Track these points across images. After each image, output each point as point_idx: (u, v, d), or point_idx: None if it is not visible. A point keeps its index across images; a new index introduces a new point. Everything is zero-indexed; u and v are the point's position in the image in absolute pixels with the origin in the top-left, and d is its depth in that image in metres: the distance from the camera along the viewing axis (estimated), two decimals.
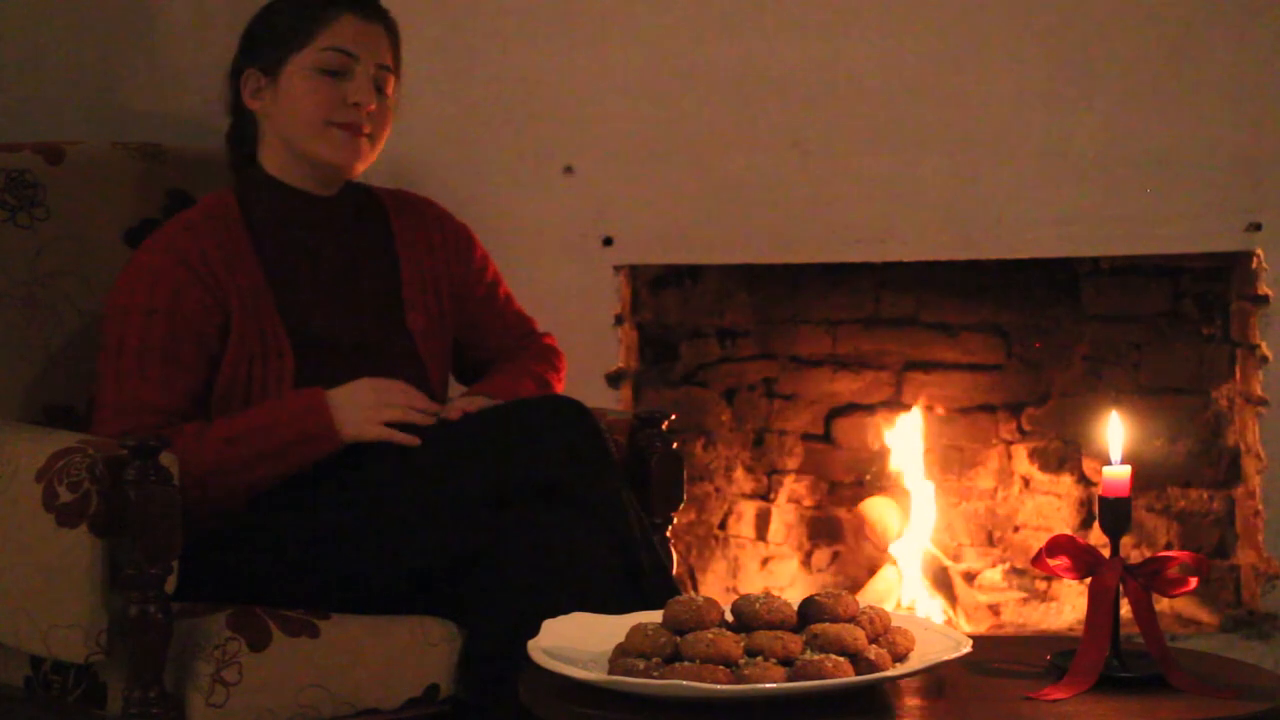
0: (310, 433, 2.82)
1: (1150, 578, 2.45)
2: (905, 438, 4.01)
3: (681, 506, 3.14)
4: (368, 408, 2.84)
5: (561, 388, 3.14)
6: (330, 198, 3.02)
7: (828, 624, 2.35)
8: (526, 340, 3.19)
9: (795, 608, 2.40)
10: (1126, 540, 2.52)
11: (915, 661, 2.36)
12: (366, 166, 3.00)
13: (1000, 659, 2.50)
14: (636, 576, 2.76)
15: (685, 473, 3.14)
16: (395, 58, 3.02)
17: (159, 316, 2.85)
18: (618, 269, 3.68)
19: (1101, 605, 2.41)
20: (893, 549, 3.97)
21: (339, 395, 2.84)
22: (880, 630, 2.38)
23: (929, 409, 4.05)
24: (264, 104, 2.97)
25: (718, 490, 4.04)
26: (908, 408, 4.05)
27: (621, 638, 2.35)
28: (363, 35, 2.96)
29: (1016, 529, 4.08)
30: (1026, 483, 4.07)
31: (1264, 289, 3.72)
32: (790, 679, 2.27)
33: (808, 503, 4.11)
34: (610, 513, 2.79)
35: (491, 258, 3.19)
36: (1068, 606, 3.97)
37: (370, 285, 3.03)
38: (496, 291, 3.17)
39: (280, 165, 2.99)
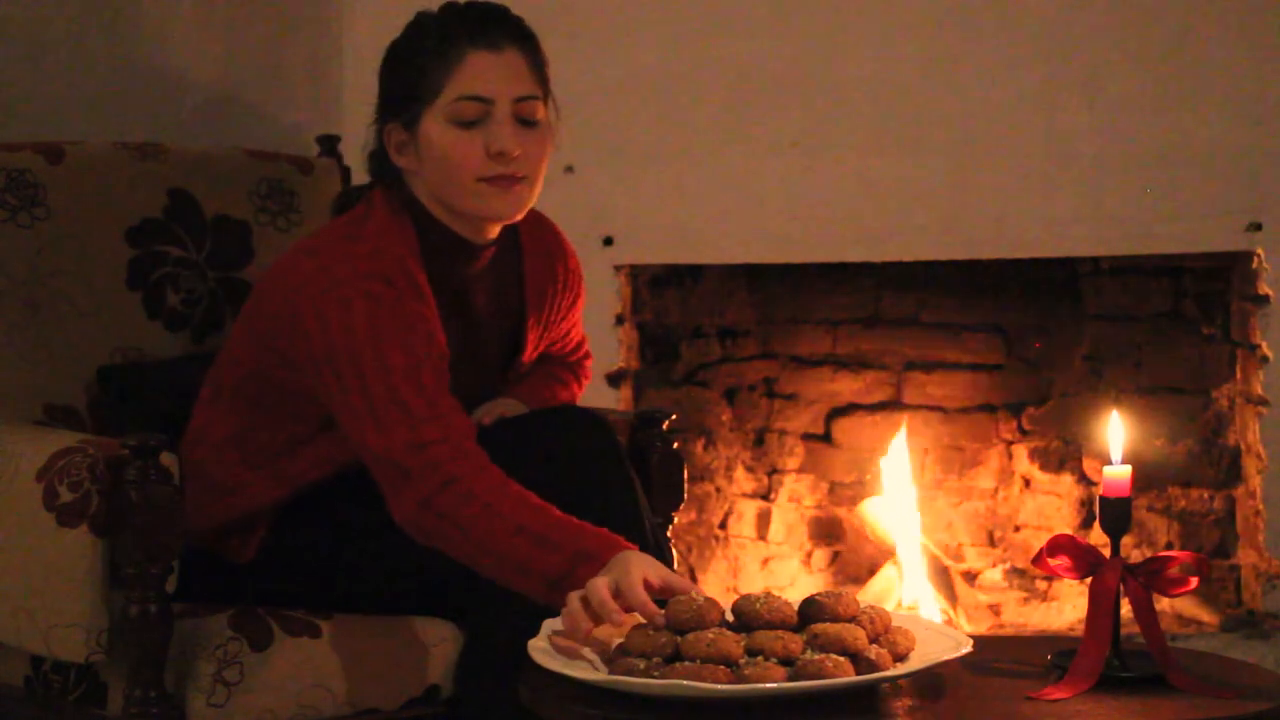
0: (571, 576, 2.45)
1: (1151, 578, 2.45)
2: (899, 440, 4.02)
3: (682, 506, 3.14)
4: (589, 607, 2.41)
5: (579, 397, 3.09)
6: (484, 244, 2.80)
7: (828, 624, 2.34)
8: (575, 355, 3.08)
9: (795, 607, 2.39)
10: (1127, 540, 2.52)
11: (915, 661, 2.36)
12: (530, 207, 2.77)
13: (1000, 659, 2.50)
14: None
15: (685, 473, 3.14)
16: (539, 77, 2.74)
17: (389, 348, 2.60)
18: (618, 269, 3.69)
19: (1102, 605, 2.41)
20: (893, 548, 3.97)
21: (626, 562, 2.43)
22: (880, 630, 2.38)
23: (928, 409, 4.06)
24: (408, 160, 2.74)
25: (718, 490, 4.05)
26: (908, 408, 4.06)
27: (621, 638, 2.35)
28: (494, 71, 2.70)
29: (1017, 529, 4.08)
30: (1027, 483, 4.07)
31: (1264, 289, 3.72)
32: (791, 679, 2.27)
33: (808, 503, 4.11)
34: (630, 523, 2.79)
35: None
36: (1068, 606, 3.97)
37: (498, 342, 2.89)
38: (577, 320, 3.01)
39: (437, 209, 2.76)
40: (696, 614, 2.34)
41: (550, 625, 2.43)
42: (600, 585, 2.36)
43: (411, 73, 2.71)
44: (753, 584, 4.02)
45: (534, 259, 2.89)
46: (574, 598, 2.38)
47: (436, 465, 2.55)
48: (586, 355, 3.09)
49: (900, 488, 3.97)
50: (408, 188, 2.75)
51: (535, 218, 2.88)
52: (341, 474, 2.76)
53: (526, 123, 2.71)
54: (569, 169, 3.63)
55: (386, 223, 2.73)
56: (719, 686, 2.23)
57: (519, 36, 2.74)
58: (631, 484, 2.84)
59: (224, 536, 2.78)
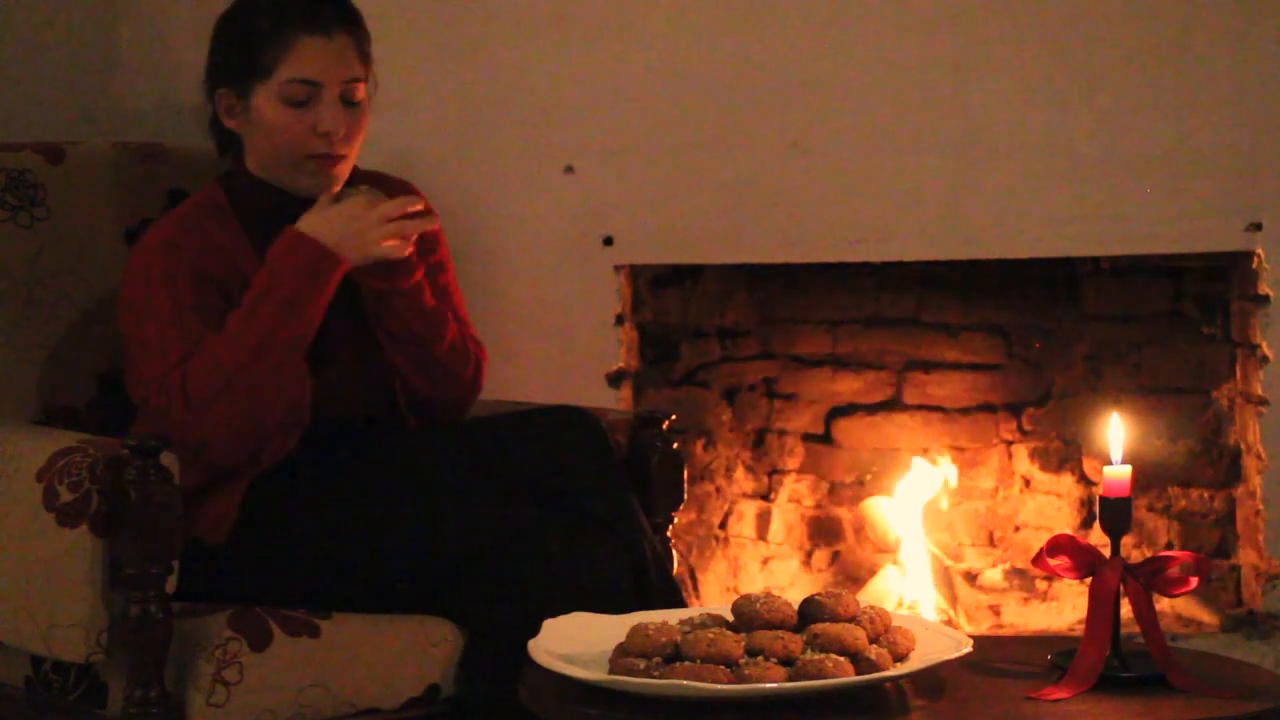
0: (311, 265, 2.81)
1: (1151, 578, 2.45)
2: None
3: (682, 506, 3.14)
4: (366, 229, 2.84)
5: (475, 394, 3.09)
6: (310, 197, 2.98)
7: (828, 624, 2.35)
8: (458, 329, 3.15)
9: (795, 607, 2.40)
10: (1127, 540, 2.51)
11: (915, 661, 2.36)
12: (345, 177, 2.97)
13: (1000, 659, 2.50)
14: (646, 585, 2.77)
15: (685, 473, 3.14)
16: (364, 60, 2.96)
17: (181, 279, 2.84)
18: (618, 269, 3.68)
19: (1102, 605, 2.41)
20: (894, 548, 3.97)
21: (319, 221, 2.84)
22: (880, 630, 2.38)
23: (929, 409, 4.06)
24: (239, 124, 2.95)
25: (718, 490, 4.04)
26: (908, 408, 4.06)
27: (621, 638, 2.35)
28: (324, 56, 2.90)
29: (1017, 529, 4.08)
30: (1027, 483, 4.07)
31: (1264, 289, 3.72)
32: (791, 679, 2.27)
33: (808, 503, 4.10)
34: (625, 522, 2.81)
35: (455, 244, 3.14)
36: (1068, 606, 3.97)
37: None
38: (439, 274, 3.09)
39: (265, 169, 2.97)
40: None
41: (551, 625, 2.44)
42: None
43: (246, 48, 2.91)
44: (753, 584, 4.02)
45: None
46: (377, 247, 2.81)
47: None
48: (480, 345, 3.11)
49: (913, 490, 3.97)
50: (242, 152, 2.96)
51: (380, 177, 3.05)
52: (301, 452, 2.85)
53: (349, 103, 2.93)
54: (569, 169, 3.63)
55: (198, 196, 2.98)
56: (719, 686, 2.23)
57: (348, 20, 2.94)
58: (625, 484, 2.85)
59: (197, 515, 2.78)
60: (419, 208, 2.87)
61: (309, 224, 2.84)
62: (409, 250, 2.88)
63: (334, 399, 2.92)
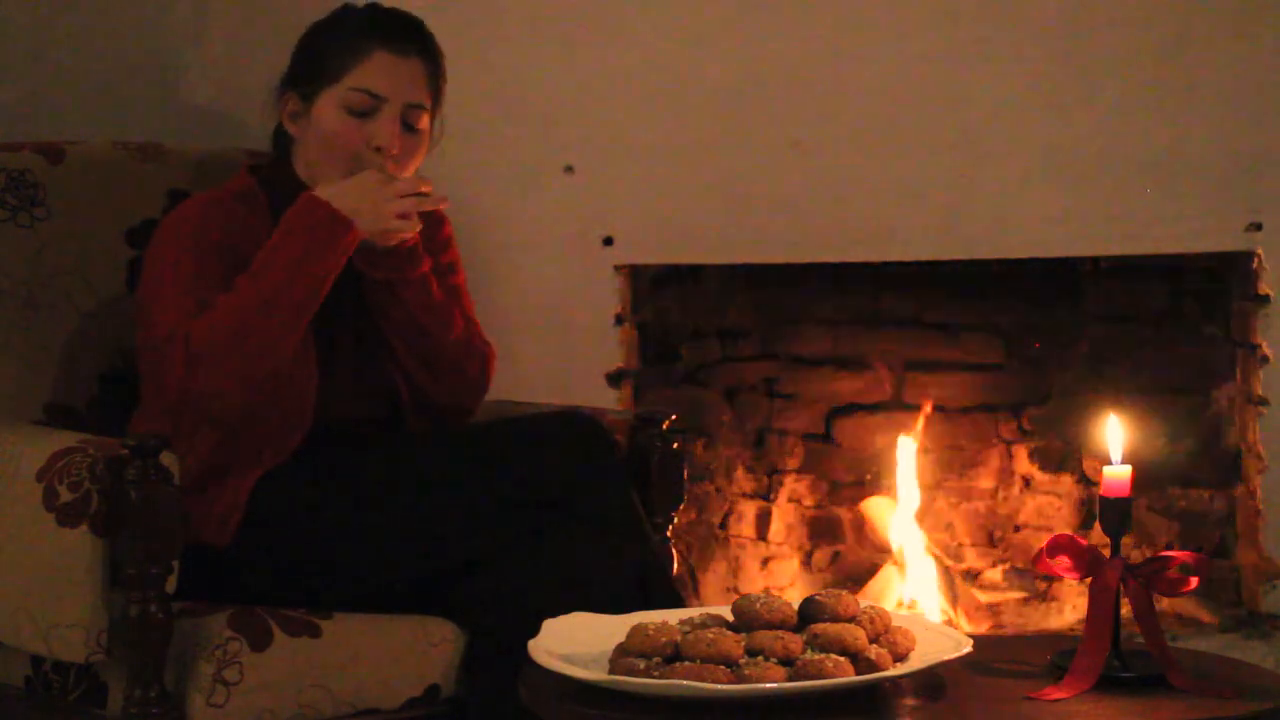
0: (324, 226, 2.80)
1: (1151, 578, 2.45)
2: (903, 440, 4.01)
3: (682, 506, 3.14)
4: (379, 202, 2.83)
5: (482, 395, 3.09)
6: None
7: (828, 624, 2.35)
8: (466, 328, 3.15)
9: (795, 607, 2.40)
10: (1127, 540, 2.51)
11: (915, 661, 2.36)
12: None
13: (1000, 659, 2.50)
14: (646, 586, 2.77)
15: (685, 473, 3.14)
16: (433, 91, 2.97)
17: (208, 247, 2.84)
18: (618, 269, 3.68)
19: (1102, 605, 2.41)
20: (894, 548, 3.97)
21: (335, 191, 2.83)
22: (880, 630, 2.38)
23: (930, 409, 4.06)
24: (298, 129, 2.96)
25: (718, 490, 4.05)
26: (908, 408, 4.05)
27: (621, 638, 2.35)
28: (393, 73, 2.91)
29: (1017, 529, 4.08)
30: (1027, 483, 4.07)
31: (1264, 289, 3.72)
32: (790, 679, 2.27)
33: (808, 503, 4.11)
34: (627, 526, 2.81)
35: (455, 243, 3.15)
36: (1068, 606, 3.97)
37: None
38: (449, 275, 3.10)
39: (311, 174, 2.96)
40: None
41: (551, 625, 2.44)
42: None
43: (320, 53, 2.93)
44: (753, 584, 4.02)
45: None
46: (392, 220, 2.82)
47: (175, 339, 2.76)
48: (489, 346, 3.10)
49: (908, 488, 3.97)
50: (290, 156, 2.97)
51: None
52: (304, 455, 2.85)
53: (410, 128, 2.93)
54: (569, 169, 3.63)
55: (230, 183, 2.99)
56: (719, 686, 2.23)
57: (426, 49, 2.96)
58: (627, 486, 2.85)
59: (201, 516, 2.78)
60: (428, 189, 2.87)
61: (324, 191, 2.84)
62: (418, 227, 2.88)
63: (338, 401, 2.92)
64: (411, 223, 2.86)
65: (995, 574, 4.07)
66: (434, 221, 3.08)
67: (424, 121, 2.95)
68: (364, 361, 2.98)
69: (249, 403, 2.78)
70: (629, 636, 2.34)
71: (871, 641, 2.35)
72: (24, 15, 3.50)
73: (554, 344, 3.64)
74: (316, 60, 2.94)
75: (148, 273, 2.89)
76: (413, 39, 2.95)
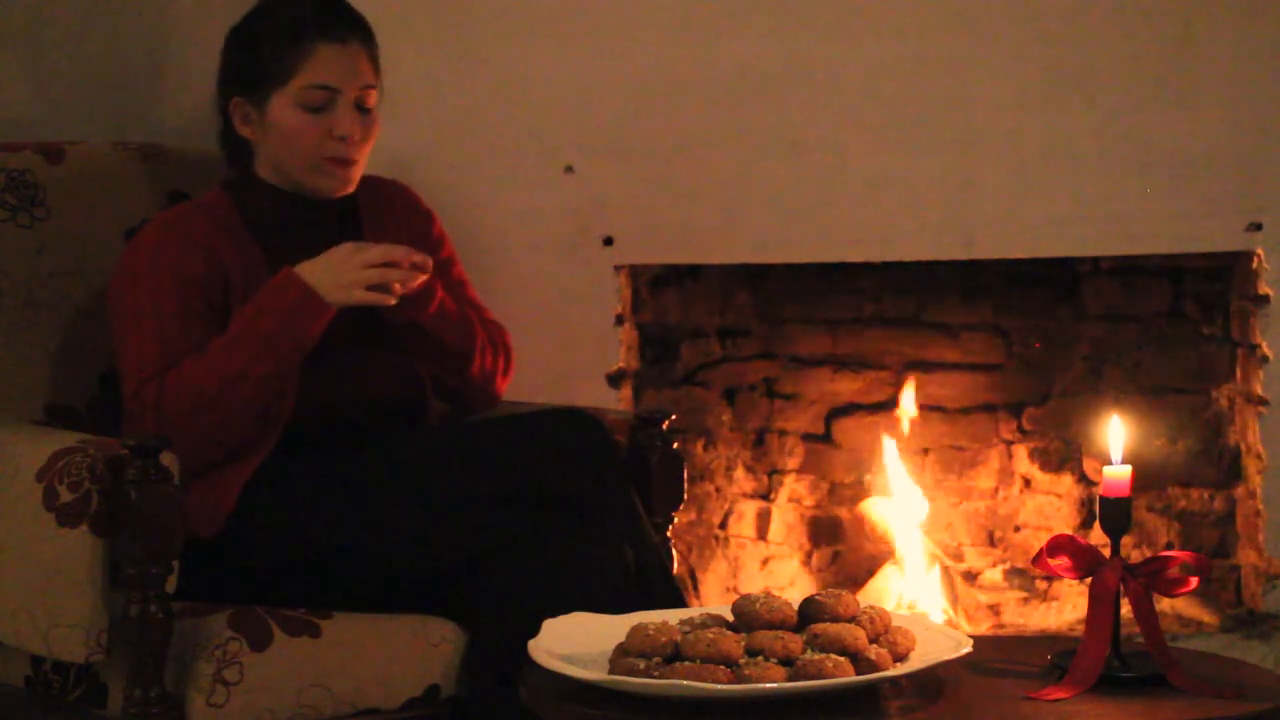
0: (295, 304, 2.83)
1: (1151, 578, 2.45)
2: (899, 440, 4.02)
3: (682, 506, 3.14)
4: (346, 272, 2.85)
5: (507, 381, 3.16)
6: (324, 201, 3.04)
7: (828, 624, 2.35)
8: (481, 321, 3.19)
9: (795, 607, 2.40)
10: (1127, 540, 2.51)
11: (915, 661, 2.36)
12: (357, 181, 3.04)
13: (1000, 659, 2.50)
14: (646, 586, 2.77)
15: (685, 473, 3.14)
16: (375, 67, 3.03)
17: (165, 282, 2.87)
18: (618, 269, 3.68)
19: (1102, 605, 2.41)
20: (894, 548, 3.97)
21: (311, 265, 2.87)
22: (880, 630, 2.38)
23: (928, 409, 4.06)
24: (254, 131, 3.00)
25: (718, 490, 4.04)
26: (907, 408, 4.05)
27: (622, 638, 2.35)
28: (341, 63, 2.97)
29: (1017, 529, 4.08)
30: (1027, 483, 4.07)
31: (1264, 289, 3.72)
32: (791, 679, 2.27)
33: (808, 503, 4.10)
34: (628, 525, 2.81)
35: (455, 243, 3.21)
36: (1068, 606, 3.97)
37: None
38: (450, 270, 3.16)
39: (279, 174, 3.01)
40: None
41: (551, 625, 2.44)
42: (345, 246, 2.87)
43: (262, 55, 2.96)
44: (753, 584, 4.02)
45: (368, 208, 3.10)
46: (359, 292, 2.83)
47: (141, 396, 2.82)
48: (502, 327, 3.19)
49: (906, 488, 3.97)
50: (253, 160, 3.01)
51: (376, 181, 3.14)
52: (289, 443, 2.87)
53: (363, 109, 3.00)
54: (569, 169, 3.63)
55: (197, 199, 3.03)
56: (719, 686, 2.23)
57: (360, 30, 3.02)
58: (628, 485, 2.86)
59: (188, 506, 2.78)
60: (398, 256, 2.87)
61: (303, 266, 2.88)
62: (393, 302, 2.89)
63: (352, 382, 2.94)
64: (387, 296, 2.88)
65: (995, 574, 4.07)
66: (423, 220, 3.14)
67: (373, 99, 3.01)
68: (381, 344, 3.02)
69: (213, 458, 2.84)
70: (629, 636, 2.34)
71: (871, 641, 2.35)
72: (24, 15, 3.50)
73: (554, 344, 3.63)
74: (258, 63, 2.97)
75: (110, 313, 2.93)
76: (347, 24, 3.00)
